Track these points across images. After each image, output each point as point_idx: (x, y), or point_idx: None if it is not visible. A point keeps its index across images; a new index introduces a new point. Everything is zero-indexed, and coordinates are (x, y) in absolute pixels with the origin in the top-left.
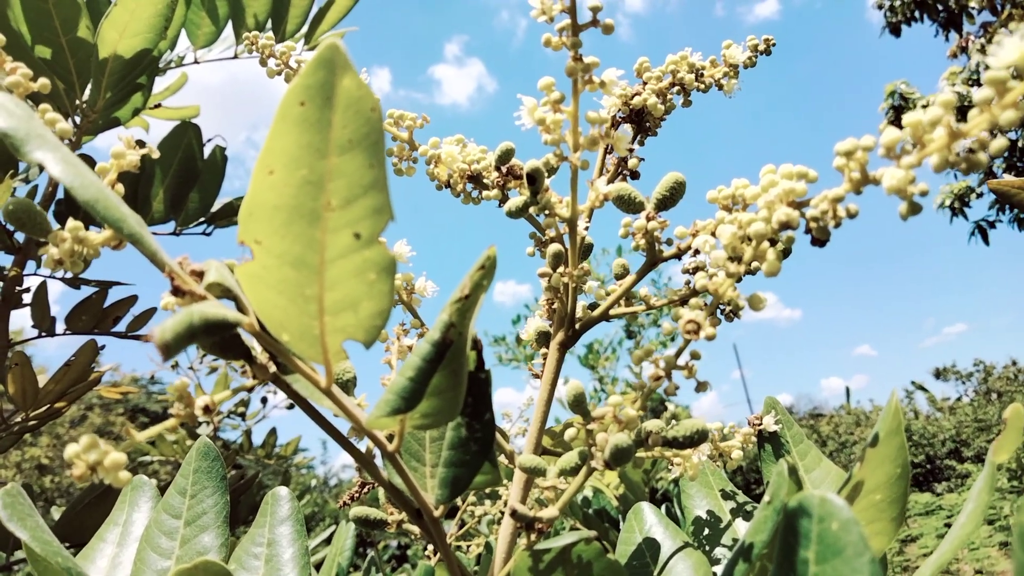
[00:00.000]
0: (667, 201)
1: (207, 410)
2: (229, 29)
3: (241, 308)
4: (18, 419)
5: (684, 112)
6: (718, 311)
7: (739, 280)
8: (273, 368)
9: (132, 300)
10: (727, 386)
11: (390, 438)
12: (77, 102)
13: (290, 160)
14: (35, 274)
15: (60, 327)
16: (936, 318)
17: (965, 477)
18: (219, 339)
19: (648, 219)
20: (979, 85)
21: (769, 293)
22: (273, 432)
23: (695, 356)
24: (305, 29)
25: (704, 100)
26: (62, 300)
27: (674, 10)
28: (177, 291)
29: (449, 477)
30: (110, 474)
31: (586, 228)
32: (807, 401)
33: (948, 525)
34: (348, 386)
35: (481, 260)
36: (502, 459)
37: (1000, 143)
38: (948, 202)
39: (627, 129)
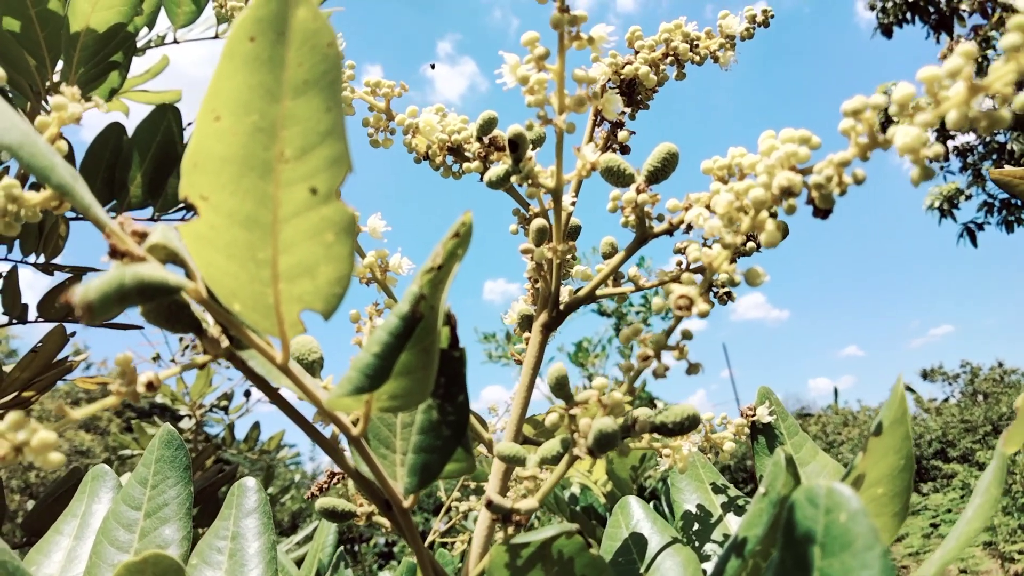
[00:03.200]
0: (659, 173)
1: (150, 387)
2: (210, 10)
3: (190, 275)
4: None
5: (674, 116)
6: (712, 290)
7: (743, 254)
8: (226, 342)
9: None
10: (716, 385)
11: (357, 423)
12: (49, 79)
13: (239, 105)
14: (5, 259)
15: (32, 314)
16: (923, 319)
17: (951, 477)
18: (161, 307)
19: (638, 192)
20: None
21: (758, 294)
22: (256, 426)
23: (686, 336)
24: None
25: (691, 101)
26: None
27: (665, 12)
28: (114, 252)
29: (418, 464)
30: (38, 455)
31: (573, 203)
32: (795, 401)
33: (934, 525)
34: (314, 367)
35: (455, 227)
36: (481, 448)
37: None
38: (937, 204)
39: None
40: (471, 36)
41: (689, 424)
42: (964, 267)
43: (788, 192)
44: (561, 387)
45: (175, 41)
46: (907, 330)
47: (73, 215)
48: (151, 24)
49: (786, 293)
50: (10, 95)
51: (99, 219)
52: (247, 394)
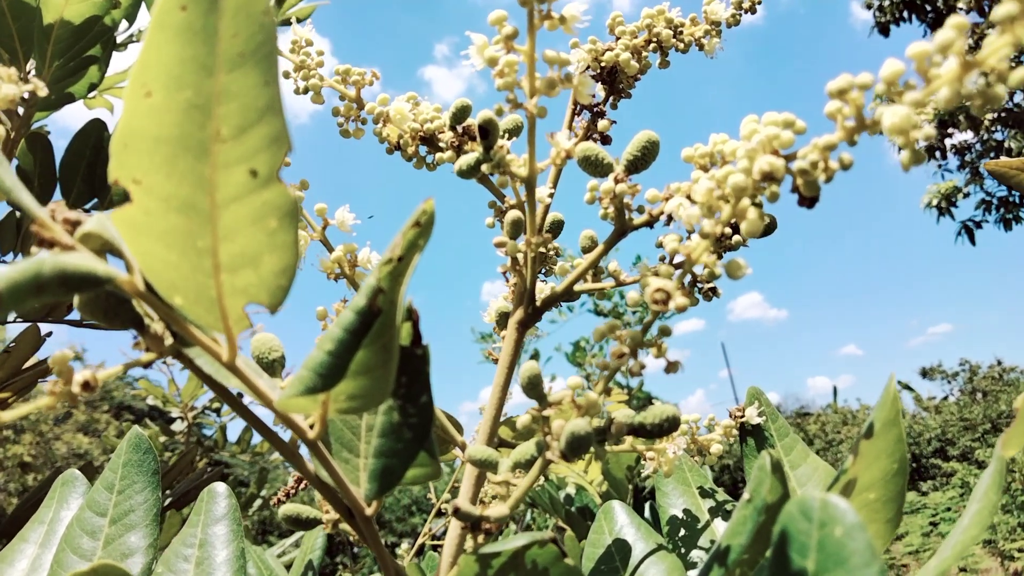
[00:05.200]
0: (638, 163)
1: (87, 387)
2: None
3: (129, 267)
4: None
5: (664, 117)
6: (696, 284)
7: (728, 248)
8: (170, 339)
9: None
10: (715, 385)
11: (314, 425)
12: (22, 74)
13: (171, 79)
14: None
15: (11, 314)
16: (921, 318)
17: (950, 476)
18: (97, 301)
19: (616, 181)
20: None
21: (755, 293)
22: (248, 428)
23: (664, 332)
24: (271, 3)
25: (684, 102)
26: None
27: None
28: (41, 241)
29: (379, 468)
30: None
31: (551, 195)
32: (794, 400)
33: (933, 523)
34: (274, 367)
35: (416, 215)
36: (455, 451)
37: (1022, 73)
38: (935, 202)
39: (596, 89)
40: (469, 39)
41: (669, 425)
42: (962, 265)
43: (770, 177)
44: (533, 387)
45: None
46: (906, 329)
47: None
48: (131, 19)
49: (784, 292)
50: None
51: (22, 204)
52: (240, 395)
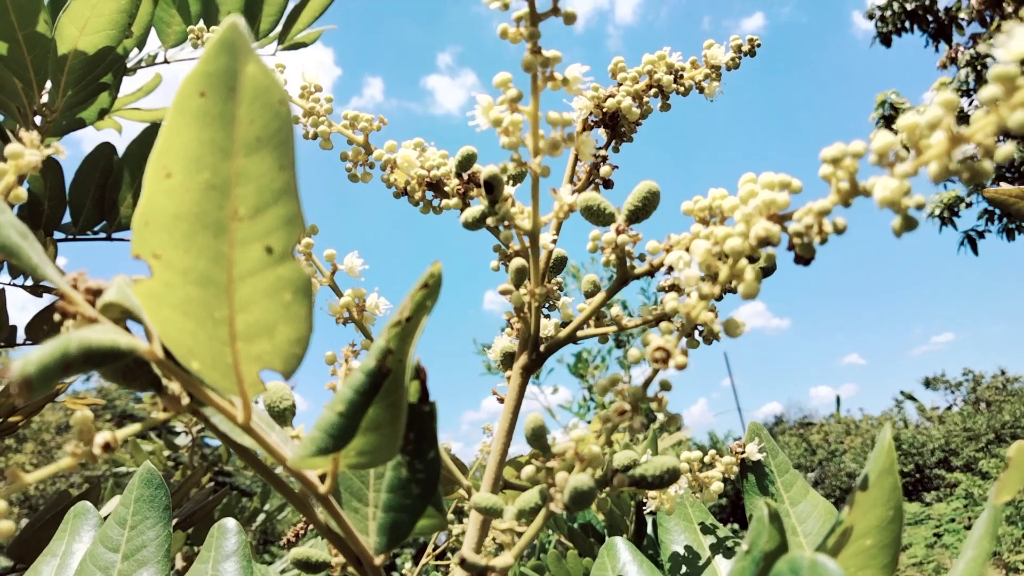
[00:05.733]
0: (639, 213)
1: (107, 447)
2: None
3: (148, 332)
4: None
5: (670, 126)
6: (694, 334)
7: (720, 299)
8: (187, 400)
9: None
10: (717, 394)
11: (324, 478)
12: (37, 102)
13: (190, 161)
14: None
15: (21, 337)
16: (924, 327)
17: (954, 486)
18: (116, 368)
19: (618, 232)
20: (968, 96)
21: (758, 303)
22: None
23: (665, 387)
24: (279, 29)
25: (690, 114)
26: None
27: (663, 23)
28: (64, 314)
29: (388, 523)
30: None
31: (553, 241)
32: (797, 410)
33: (937, 535)
34: (285, 415)
35: (424, 278)
36: (461, 492)
37: (1007, 149)
38: (937, 211)
39: (598, 133)
40: (471, 48)
41: (669, 478)
42: (965, 275)
43: (766, 242)
44: (538, 438)
45: (165, 61)
46: (909, 338)
47: (62, 236)
48: (141, 44)
49: (786, 302)
50: None
51: (50, 278)
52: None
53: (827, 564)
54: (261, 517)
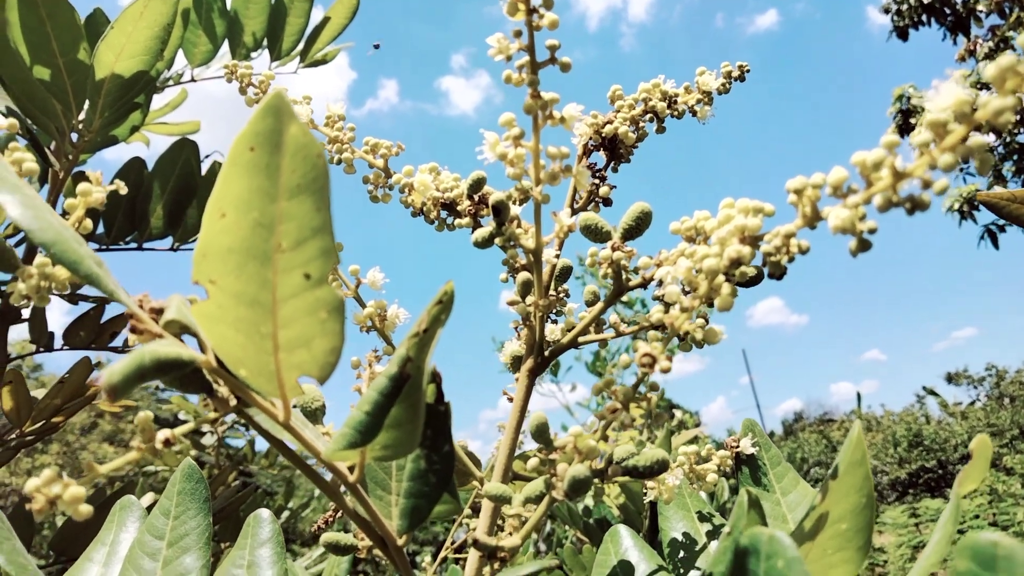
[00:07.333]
0: (633, 231)
1: (167, 443)
2: (226, 47)
3: (202, 345)
4: (13, 435)
5: (686, 122)
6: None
7: (710, 305)
8: (234, 401)
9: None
10: (736, 392)
11: (352, 469)
12: (74, 121)
13: (241, 203)
14: None
15: (58, 342)
16: (946, 322)
17: None
18: (177, 375)
19: (614, 249)
20: (987, 88)
21: (776, 299)
22: None
23: (652, 388)
24: (301, 47)
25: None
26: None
27: (676, 21)
28: (135, 330)
29: (409, 508)
30: (70, 508)
31: (557, 256)
32: (817, 406)
33: (961, 531)
34: (316, 414)
35: (439, 295)
36: (475, 484)
37: (942, 183)
38: (957, 206)
39: (599, 155)
40: (485, 49)
41: (659, 467)
42: (986, 269)
43: (737, 262)
44: (541, 434)
45: (192, 79)
46: (930, 333)
47: (95, 247)
48: (170, 65)
49: (804, 298)
50: (36, 133)
51: (123, 301)
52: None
53: (782, 538)
54: (285, 514)
